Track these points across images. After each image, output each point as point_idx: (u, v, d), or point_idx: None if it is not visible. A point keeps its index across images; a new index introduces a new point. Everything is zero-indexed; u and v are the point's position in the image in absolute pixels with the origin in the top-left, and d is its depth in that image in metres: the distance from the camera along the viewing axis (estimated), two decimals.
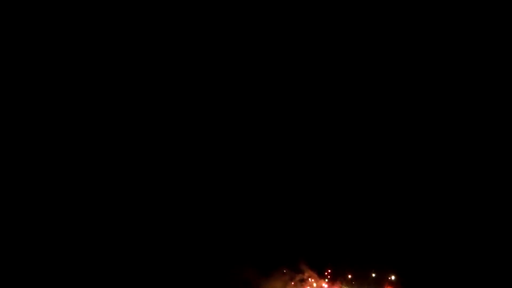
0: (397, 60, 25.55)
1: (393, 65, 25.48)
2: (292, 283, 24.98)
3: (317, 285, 25.08)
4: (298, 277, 25.16)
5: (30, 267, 23.82)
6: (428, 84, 25.60)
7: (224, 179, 25.34)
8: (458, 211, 24.59)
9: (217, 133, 25.73)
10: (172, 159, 26.04)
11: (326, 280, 24.82)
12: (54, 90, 25.66)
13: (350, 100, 26.00)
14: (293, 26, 25.72)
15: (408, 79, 25.77)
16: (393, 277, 23.93)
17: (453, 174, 24.83)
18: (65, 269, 24.13)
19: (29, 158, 25.11)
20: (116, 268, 24.51)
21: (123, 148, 25.96)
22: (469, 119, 25.47)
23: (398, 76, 25.60)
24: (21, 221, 24.30)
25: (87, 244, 24.74)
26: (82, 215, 25.08)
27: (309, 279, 25.07)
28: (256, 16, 25.81)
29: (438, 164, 25.10)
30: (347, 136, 25.58)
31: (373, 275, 24.08)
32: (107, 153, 25.90)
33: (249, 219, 25.43)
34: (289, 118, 25.86)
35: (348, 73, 26.29)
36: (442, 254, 24.21)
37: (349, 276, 24.36)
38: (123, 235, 25.09)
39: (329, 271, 24.96)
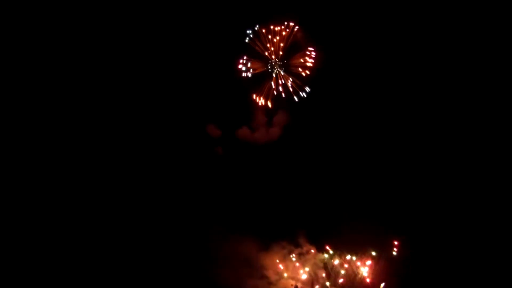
0: (397, 60, 25.76)
1: (393, 65, 25.75)
2: (292, 256, 24.86)
3: (315, 259, 24.99)
4: (297, 251, 25.07)
5: (30, 267, 23.62)
6: (428, 84, 25.88)
7: (223, 153, 25.29)
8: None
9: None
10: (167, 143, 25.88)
11: (326, 255, 24.75)
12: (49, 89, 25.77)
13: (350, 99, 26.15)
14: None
15: (408, 79, 25.98)
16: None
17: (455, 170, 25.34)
18: (65, 269, 23.90)
19: (21, 159, 25.07)
20: (112, 251, 24.23)
21: (122, 147, 25.93)
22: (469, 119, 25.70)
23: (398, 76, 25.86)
24: (21, 221, 24.25)
25: (85, 243, 24.50)
26: (79, 214, 24.90)
27: (309, 253, 25.04)
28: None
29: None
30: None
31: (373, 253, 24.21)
32: (104, 152, 25.91)
33: (248, 193, 25.41)
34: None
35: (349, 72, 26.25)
36: (448, 218, 24.03)
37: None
38: (118, 219, 24.85)
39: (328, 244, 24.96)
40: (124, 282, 23.45)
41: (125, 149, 25.67)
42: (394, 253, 23.82)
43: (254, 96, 25.29)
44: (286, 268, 24.80)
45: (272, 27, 25.52)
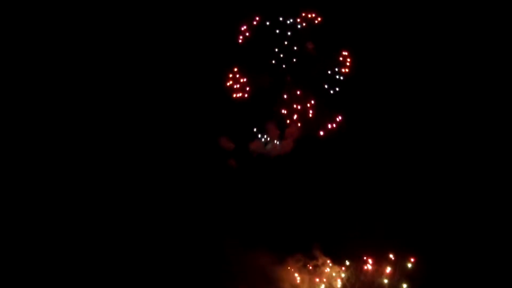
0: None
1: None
2: (310, 267, 24.73)
3: (330, 271, 24.83)
4: (312, 263, 24.95)
5: (29, 267, 23.61)
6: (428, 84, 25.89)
7: (237, 165, 25.32)
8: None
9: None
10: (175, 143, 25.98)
11: (343, 267, 24.58)
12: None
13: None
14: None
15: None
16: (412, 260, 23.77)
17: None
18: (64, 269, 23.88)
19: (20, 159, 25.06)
20: (117, 253, 24.29)
21: (135, 158, 26.05)
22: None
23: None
24: (21, 221, 24.23)
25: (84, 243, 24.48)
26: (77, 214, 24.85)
27: (325, 264, 24.88)
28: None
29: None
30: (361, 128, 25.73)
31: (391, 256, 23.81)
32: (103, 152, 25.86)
33: (263, 207, 25.36)
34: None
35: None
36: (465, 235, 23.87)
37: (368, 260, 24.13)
38: (123, 221, 24.90)
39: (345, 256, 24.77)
40: None
41: (139, 161, 25.76)
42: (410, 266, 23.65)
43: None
44: (302, 280, 24.73)
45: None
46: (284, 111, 25.41)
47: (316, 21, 26.23)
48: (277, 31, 25.87)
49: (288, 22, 26.06)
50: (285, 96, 25.57)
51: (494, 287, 23.29)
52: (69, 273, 23.71)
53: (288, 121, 25.46)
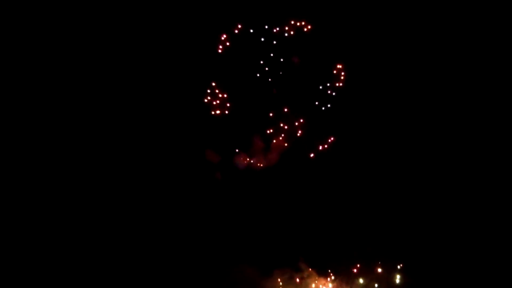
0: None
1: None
2: (295, 278, 24.66)
3: (318, 283, 24.86)
4: (298, 276, 24.92)
5: (30, 267, 23.48)
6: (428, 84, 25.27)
7: (224, 178, 25.02)
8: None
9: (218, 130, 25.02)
10: (171, 157, 25.50)
11: (328, 278, 24.54)
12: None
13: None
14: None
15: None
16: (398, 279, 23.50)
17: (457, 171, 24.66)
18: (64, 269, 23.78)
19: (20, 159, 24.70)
20: (116, 269, 24.04)
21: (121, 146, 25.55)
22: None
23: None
24: (21, 221, 23.99)
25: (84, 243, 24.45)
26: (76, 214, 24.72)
27: (310, 277, 24.89)
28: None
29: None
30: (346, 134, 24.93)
31: (379, 270, 23.66)
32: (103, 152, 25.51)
33: (249, 218, 25.11)
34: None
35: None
36: (451, 247, 23.65)
37: (354, 271, 23.97)
38: (122, 235, 24.67)
39: (330, 269, 24.73)
40: None
41: (121, 174, 25.38)
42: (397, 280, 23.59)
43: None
44: None
45: None
46: (270, 131, 24.52)
47: (306, 29, 24.51)
48: (262, 39, 24.33)
49: (275, 30, 24.45)
50: (270, 114, 24.52)
51: None
52: (69, 273, 23.71)
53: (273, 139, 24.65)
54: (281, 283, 24.76)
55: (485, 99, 24.69)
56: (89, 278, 23.73)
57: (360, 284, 24.46)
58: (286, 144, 24.38)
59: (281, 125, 24.32)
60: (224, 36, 23.90)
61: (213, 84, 24.30)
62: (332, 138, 24.34)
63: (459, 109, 25.04)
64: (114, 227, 24.44)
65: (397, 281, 23.82)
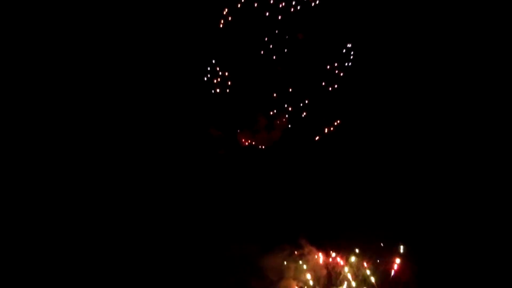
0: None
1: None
2: (296, 254, 24.62)
3: (318, 260, 24.99)
4: (298, 252, 25.10)
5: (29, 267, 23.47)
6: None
7: (223, 156, 25.06)
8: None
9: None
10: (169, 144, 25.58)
11: (328, 255, 24.64)
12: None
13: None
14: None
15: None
16: (401, 248, 22.65)
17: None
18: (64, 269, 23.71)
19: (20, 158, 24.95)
20: (115, 246, 24.19)
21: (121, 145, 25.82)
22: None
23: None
24: (21, 220, 24.13)
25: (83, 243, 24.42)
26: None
27: (310, 253, 25.00)
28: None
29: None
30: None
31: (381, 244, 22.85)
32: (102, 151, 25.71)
33: (250, 195, 25.22)
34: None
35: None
36: (454, 224, 23.30)
37: (356, 250, 24.00)
38: (124, 210, 24.87)
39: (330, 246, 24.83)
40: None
41: (124, 150, 25.70)
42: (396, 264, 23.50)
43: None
44: (288, 268, 24.96)
45: None
46: (273, 111, 24.00)
47: (313, 4, 23.10)
48: (267, 14, 22.79)
49: (280, 5, 23.07)
50: (274, 95, 23.62)
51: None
52: (69, 273, 23.59)
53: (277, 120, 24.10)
54: (281, 259, 24.86)
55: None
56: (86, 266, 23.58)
57: (358, 261, 24.57)
58: (289, 126, 24.04)
59: (285, 105, 23.96)
60: (226, 10, 22.60)
61: (214, 61, 23.60)
62: (338, 121, 24.00)
63: (464, 87, 24.87)
64: (116, 204, 24.59)
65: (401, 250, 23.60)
